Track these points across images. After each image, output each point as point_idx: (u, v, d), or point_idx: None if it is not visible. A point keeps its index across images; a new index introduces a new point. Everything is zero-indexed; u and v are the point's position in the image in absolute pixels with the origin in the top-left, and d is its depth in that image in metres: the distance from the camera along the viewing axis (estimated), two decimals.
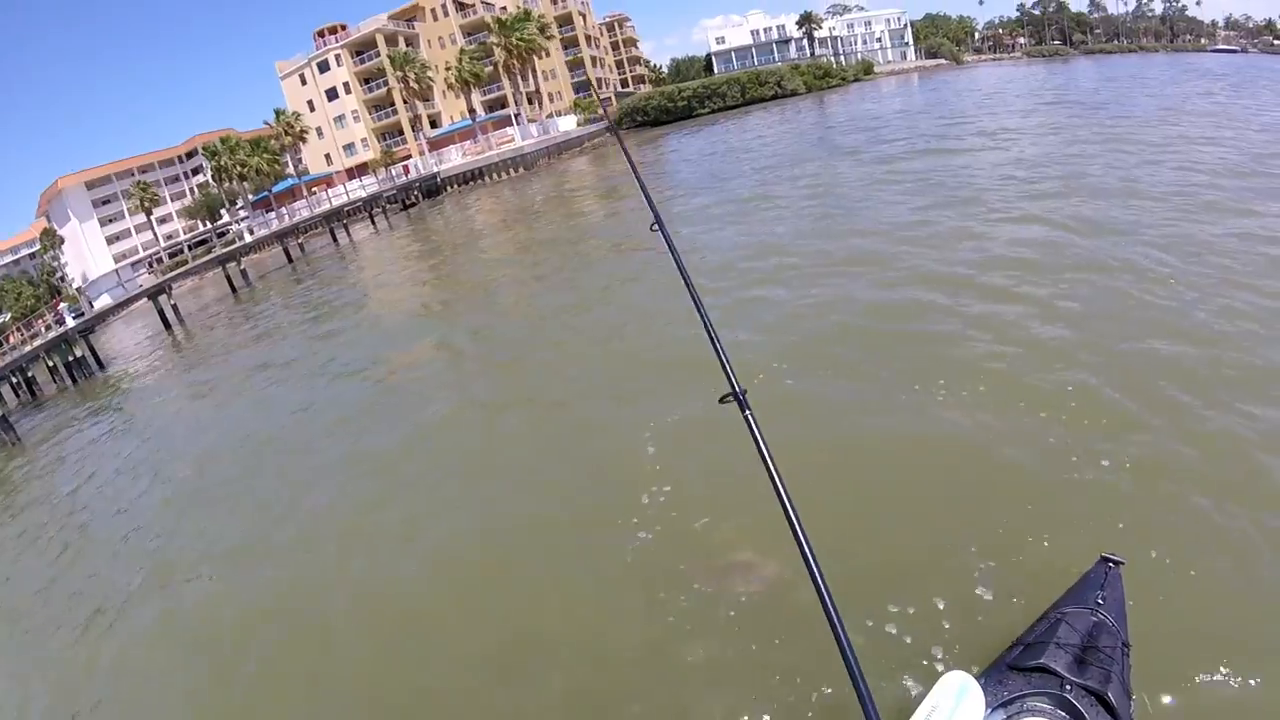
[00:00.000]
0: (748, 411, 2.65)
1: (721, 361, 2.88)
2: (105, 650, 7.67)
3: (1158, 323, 9.24)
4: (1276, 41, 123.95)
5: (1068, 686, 3.67)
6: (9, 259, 70.05)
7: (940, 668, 4.51)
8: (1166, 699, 4.38)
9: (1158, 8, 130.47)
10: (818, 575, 2.14)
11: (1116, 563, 4.56)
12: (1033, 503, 6.15)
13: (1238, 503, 6.05)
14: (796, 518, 2.28)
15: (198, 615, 7.77)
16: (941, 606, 5.22)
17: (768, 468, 2.42)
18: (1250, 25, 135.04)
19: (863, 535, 6.03)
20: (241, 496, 10.28)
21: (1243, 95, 40.64)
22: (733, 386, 2.75)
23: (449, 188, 49.92)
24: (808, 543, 2.23)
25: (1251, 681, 4.54)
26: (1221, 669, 4.59)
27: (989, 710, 3.55)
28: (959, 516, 6.12)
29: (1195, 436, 7.01)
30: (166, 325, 26.70)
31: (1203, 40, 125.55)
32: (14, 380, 30.55)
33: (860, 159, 27.56)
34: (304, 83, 66.92)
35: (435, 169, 51.32)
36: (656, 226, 3.82)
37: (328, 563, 7.87)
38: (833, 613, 2.07)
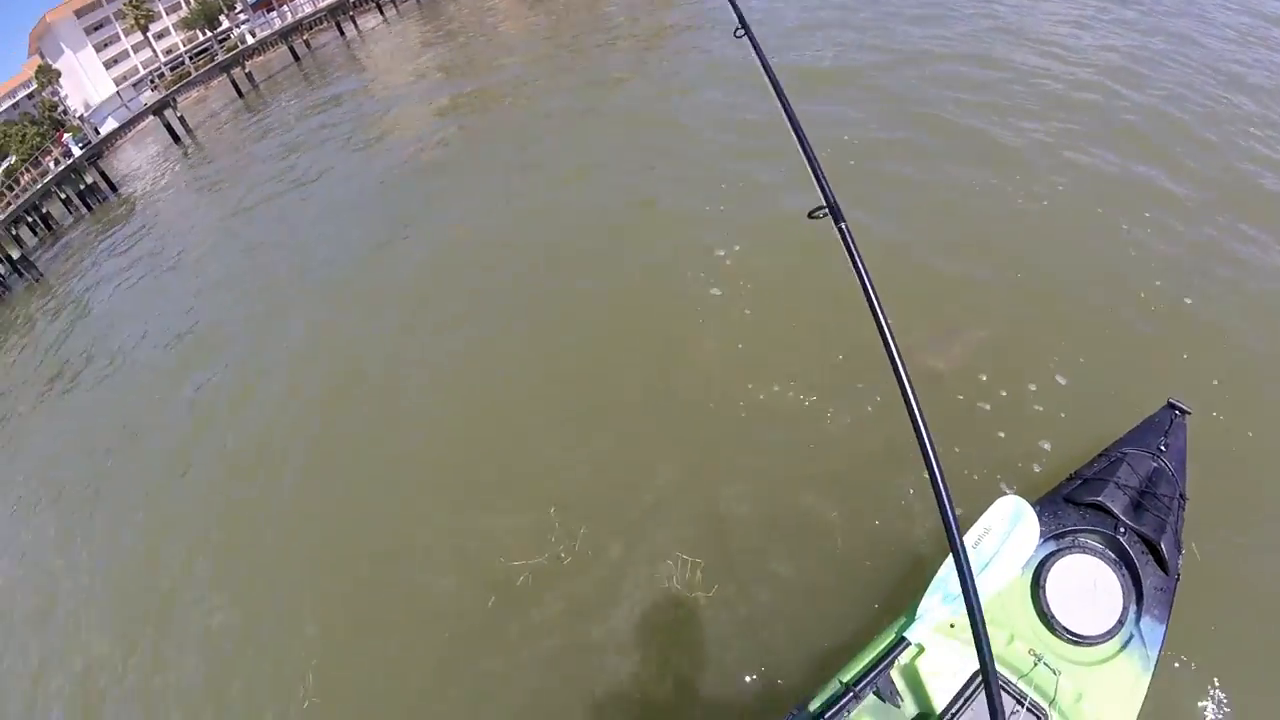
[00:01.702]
0: (843, 224, 2.39)
1: (813, 170, 2.53)
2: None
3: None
4: None
5: (1121, 529, 3.59)
6: (7, 104, 66.54)
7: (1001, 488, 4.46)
8: (1214, 558, 4.20)
9: None
10: (912, 398, 2.08)
11: (1183, 411, 4.34)
12: (1116, 330, 5.79)
13: None
14: (890, 334, 2.16)
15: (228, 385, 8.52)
16: (1001, 433, 5.01)
17: (863, 284, 2.25)
18: None
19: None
20: (256, 282, 10.70)
21: None
22: (826, 198, 2.45)
23: None
24: (903, 364, 2.12)
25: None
26: (1275, 535, 4.42)
27: (1041, 540, 3.53)
28: (1041, 323, 5.87)
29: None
30: (175, 138, 25.97)
31: None
32: (30, 219, 29.82)
33: None
34: None
35: None
36: (742, 32, 3.29)
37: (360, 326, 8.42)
38: (921, 429, 2.04)
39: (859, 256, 2.29)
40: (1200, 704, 3.73)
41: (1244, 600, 4.10)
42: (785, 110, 2.77)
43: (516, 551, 4.94)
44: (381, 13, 37.56)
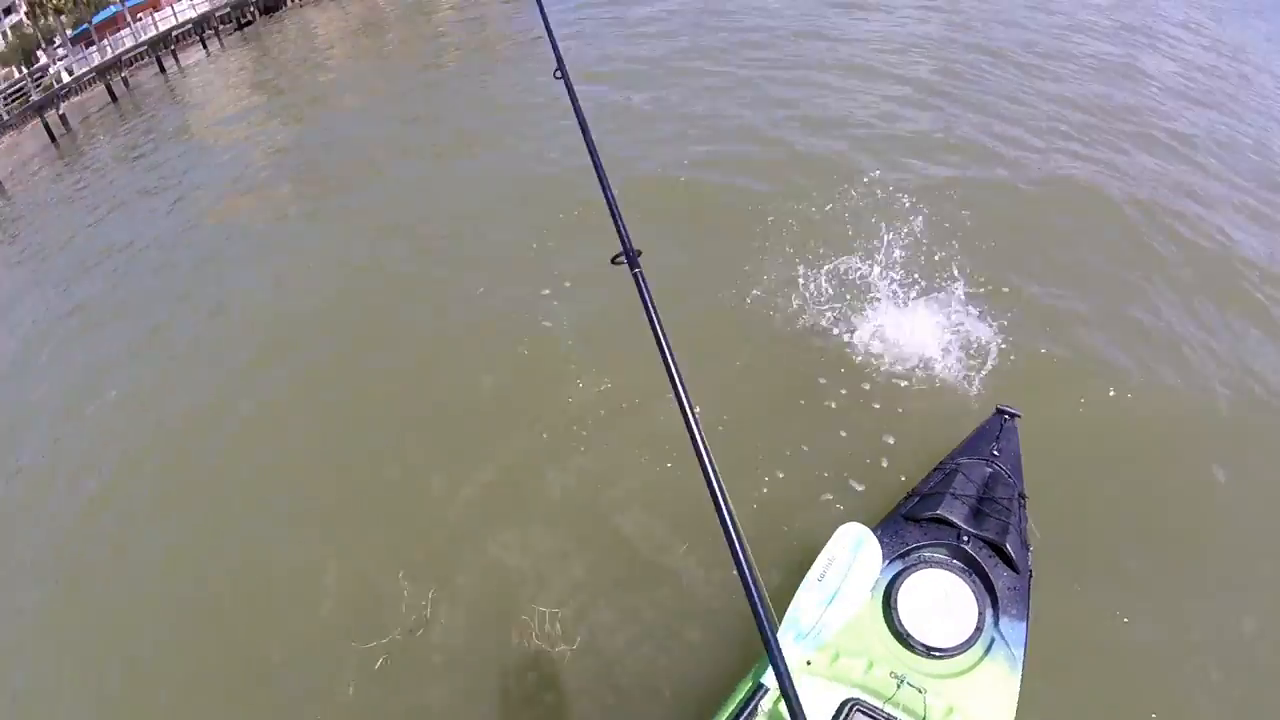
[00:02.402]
0: (637, 270, 2.50)
1: (613, 216, 2.69)
2: None
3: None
4: None
5: (965, 537, 3.66)
6: None
7: (839, 516, 4.31)
8: (1063, 548, 4.36)
9: None
10: (706, 458, 2.01)
11: (1012, 415, 4.57)
12: (928, 359, 5.97)
13: (1126, 353, 6.14)
14: (682, 384, 2.16)
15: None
16: (831, 461, 5.20)
17: (656, 334, 2.30)
18: None
19: (749, 394, 5.94)
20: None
21: None
22: (623, 240, 2.58)
23: (290, 1, 45.91)
24: (696, 421, 2.08)
25: (1134, 522, 4.71)
26: (1113, 516, 4.73)
27: (886, 561, 3.59)
28: (838, 366, 6.00)
29: (1090, 284, 7.01)
30: None
31: None
32: None
33: None
34: None
35: None
36: (560, 74, 3.50)
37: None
38: (719, 495, 1.95)
39: (653, 306, 2.37)
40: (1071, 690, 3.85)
41: (1093, 592, 4.25)
42: (592, 154, 2.95)
43: (369, 630, 4.71)
44: (205, 46, 37.87)
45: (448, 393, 6.60)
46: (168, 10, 42.20)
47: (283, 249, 10.74)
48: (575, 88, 3.27)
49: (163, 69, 34.40)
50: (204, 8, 42.03)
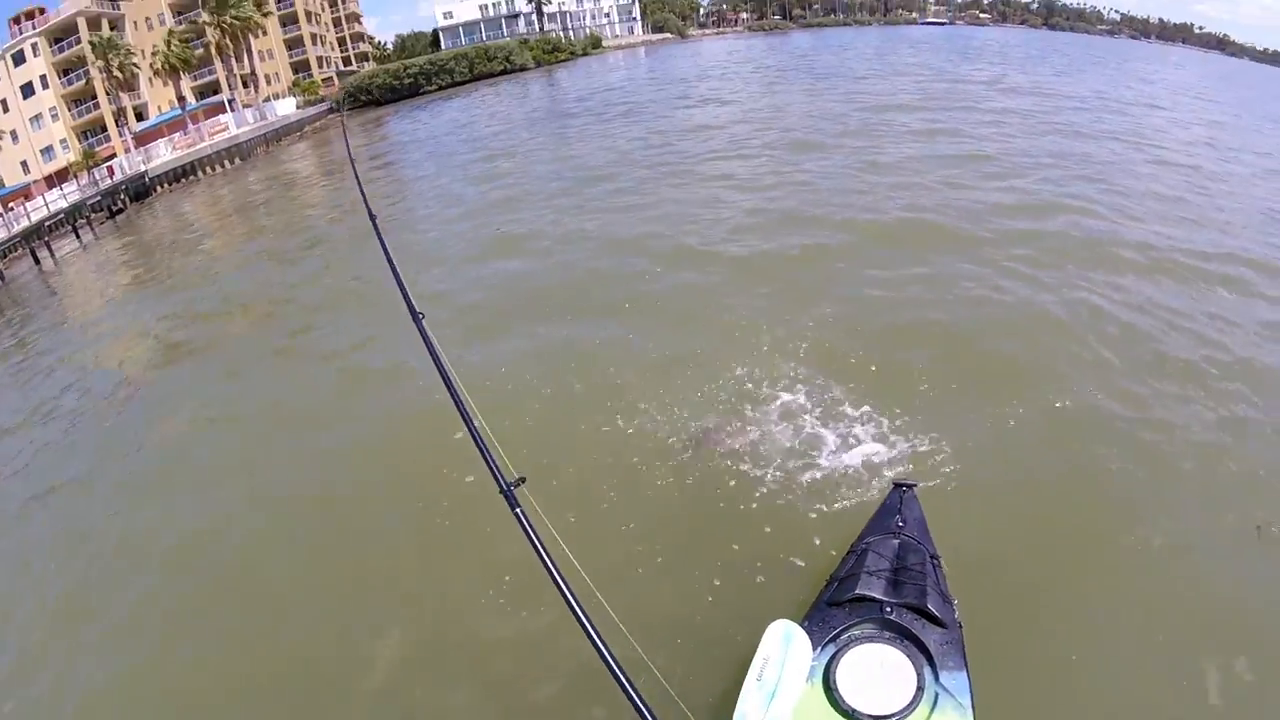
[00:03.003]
0: (519, 510, 2.56)
1: (485, 457, 2.73)
2: None
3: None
4: (982, 15, 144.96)
5: (888, 608, 3.84)
6: None
7: (772, 609, 4.45)
8: (984, 593, 4.56)
9: None
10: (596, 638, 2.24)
11: (909, 486, 4.86)
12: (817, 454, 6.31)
13: (1008, 416, 6.85)
14: (580, 608, 2.33)
15: None
16: (759, 564, 5.44)
17: (542, 559, 2.42)
18: (959, 0, 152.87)
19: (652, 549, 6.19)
20: None
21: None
22: (499, 481, 2.63)
23: (159, 187, 49.00)
24: (588, 619, 2.28)
25: (1044, 558, 5.07)
26: (1020, 558, 5.05)
27: (819, 648, 3.73)
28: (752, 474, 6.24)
29: (956, 357, 7.89)
30: None
31: (914, 14, 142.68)
32: None
33: (595, 121, 33.86)
34: None
35: (143, 167, 49.51)
36: (415, 321, 3.91)
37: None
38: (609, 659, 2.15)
39: (536, 537, 2.47)
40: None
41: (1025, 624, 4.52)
42: (453, 395, 3.03)
43: None
44: (78, 236, 39.62)
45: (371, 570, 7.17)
46: (39, 199, 44.17)
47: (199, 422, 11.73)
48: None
49: (37, 260, 35.64)
50: (75, 196, 44.55)
